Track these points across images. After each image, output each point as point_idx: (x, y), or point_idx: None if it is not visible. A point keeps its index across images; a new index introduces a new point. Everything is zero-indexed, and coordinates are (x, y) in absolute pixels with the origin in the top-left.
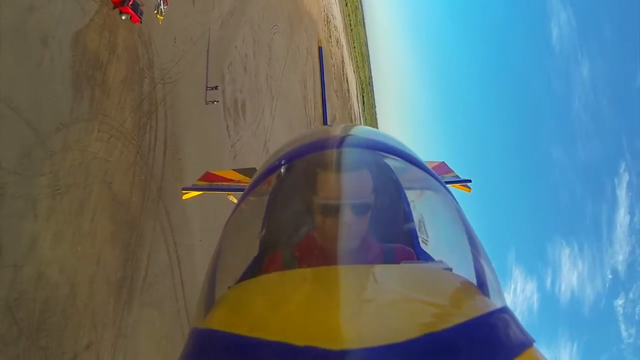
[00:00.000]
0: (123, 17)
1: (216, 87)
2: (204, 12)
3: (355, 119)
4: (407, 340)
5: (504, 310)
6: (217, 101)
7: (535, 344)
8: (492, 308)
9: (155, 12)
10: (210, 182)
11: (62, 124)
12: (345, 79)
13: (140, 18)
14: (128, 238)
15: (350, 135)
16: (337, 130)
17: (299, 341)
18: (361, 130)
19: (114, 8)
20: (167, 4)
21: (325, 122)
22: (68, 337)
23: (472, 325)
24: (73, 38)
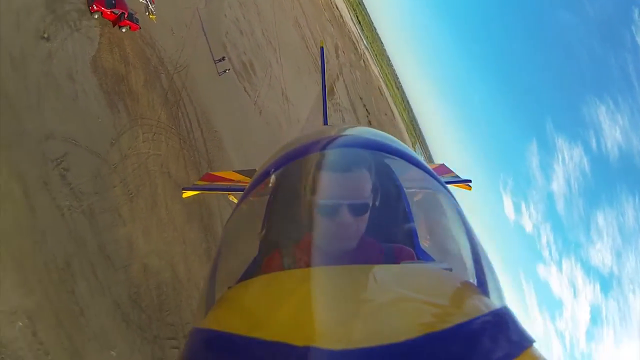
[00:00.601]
0: (123, 30)
1: (223, 58)
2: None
3: (357, 41)
4: (407, 340)
5: (504, 310)
6: (228, 69)
7: (535, 344)
8: (492, 308)
9: (147, 13)
10: (211, 182)
11: (112, 139)
12: (335, 6)
13: (138, 25)
14: (200, 214)
15: (350, 135)
16: (336, 131)
17: (299, 341)
18: (361, 130)
19: (113, 26)
20: (153, 3)
21: (325, 122)
22: (185, 309)
23: (472, 325)
24: (92, 65)
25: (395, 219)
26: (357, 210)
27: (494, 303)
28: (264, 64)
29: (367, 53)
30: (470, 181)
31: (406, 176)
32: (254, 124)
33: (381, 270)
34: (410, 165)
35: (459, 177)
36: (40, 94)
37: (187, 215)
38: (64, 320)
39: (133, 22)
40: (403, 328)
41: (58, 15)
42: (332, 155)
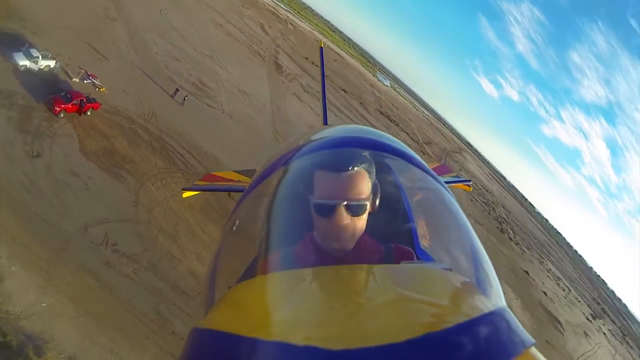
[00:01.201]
0: (89, 113)
1: (177, 90)
2: (117, 57)
3: (275, 10)
4: (407, 340)
5: (504, 310)
6: (186, 96)
7: (534, 345)
8: (492, 308)
9: (96, 89)
10: (211, 183)
11: (133, 202)
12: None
13: (97, 102)
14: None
15: (349, 135)
16: (336, 131)
17: (299, 341)
18: (361, 130)
19: (80, 114)
20: (97, 78)
21: (325, 122)
22: None
23: (471, 325)
24: (83, 154)
25: (394, 219)
26: (356, 210)
27: (494, 303)
28: (210, 75)
29: (290, 15)
30: (470, 181)
31: (406, 176)
32: (231, 128)
33: (381, 270)
34: (410, 165)
35: (458, 177)
36: (61, 200)
37: (220, 228)
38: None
39: (93, 103)
40: (403, 328)
41: (33, 132)
42: (331, 155)
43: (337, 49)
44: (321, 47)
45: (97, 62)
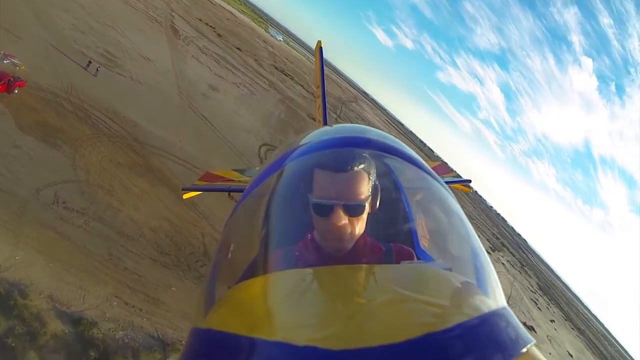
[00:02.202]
0: (16, 91)
1: (90, 62)
2: (29, 35)
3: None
4: (407, 340)
5: (504, 310)
6: (99, 67)
7: (534, 344)
8: (492, 308)
9: (17, 68)
10: (210, 182)
11: (71, 165)
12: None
13: (23, 80)
14: (155, 175)
15: (350, 135)
16: (336, 131)
17: (299, 341)
18: (361, 130)
19: (9, 93)
20: (15, 57)
21: (325, 122)
22: (192, 239)
23: (471, 325)
24: (20, 130)
25: (394, 219)
26: (355, 210)
27: (494, 303)
28: (116, 45)
29: None
30: (470, 181)
31: (405, 176)
32: (141, 93)
33: (381, 270)
34: (410, 165)
35: (458, 177)
36: (10, 170)
37: (149, 182)
38: (133, 286)
39: (19, 81)
40: (403, 328)
41: None
42: (330, 155)
43: (228, 7)
44: (321, 47)
45: (12, 42)
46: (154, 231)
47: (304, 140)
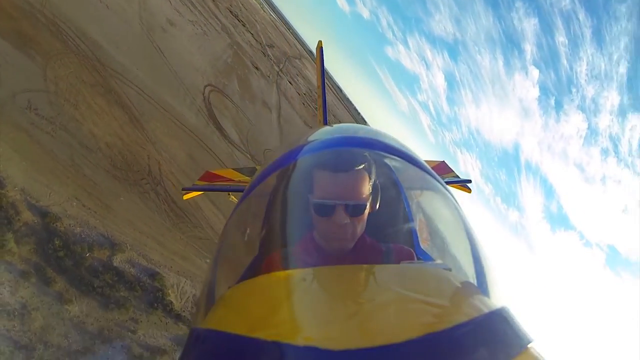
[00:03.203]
0: None
1: None
2: None
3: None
4: (407, 340)
5: (504, 310)
6: None
7: (534, 344)
8: (492, 308)
9: None
10: (210, 182)
11: (42, 76)
12: None
13: None
14: (111, 95)
15: (350, 135)
16: (336, 130)
17: (299, 341)
18: (361, 130)
19: None
20: None
21: (325, 122)
22: (144, 157)
23: (472, 325)
24: (3, 36)
25: (394, 219)
26: (355, 210)
27: (494, 303)
28: None
29: None
30: (469, 181)
31: (406, 176)
32: (108, 18)
33: (381, 270)
34: (410, 165)
35: (458, 177)
36: None
37: (107, 102)
38: (90, 190)
39: None
40: (403, 328)
41: None
42: (331, 155)
43: None
44: (321, 47)
45: None
46: (109, 146)
47: (304, 140)
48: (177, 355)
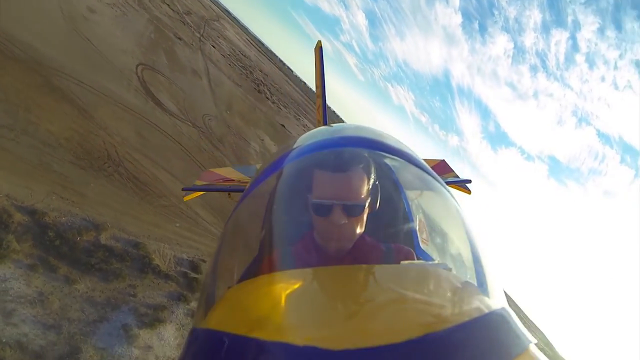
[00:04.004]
0: None
1: None
2: None
3: None
4: (407, 340)
5: (504, 310)
6: None
7: (534, 344)
8: (492, 308)
9: None
10: (210, 182)
11: None
12: None
13: None
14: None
15: (350, 135)
16: (336, 130)
17: (299, 341)
18: (361, 129)
19: None
20: None
21: (325, 122)
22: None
23: (471, 326)
24: None
25: (394, 219)
26: (353, 210)
27: (494, 303)
28: None
29: None
30: (469, 181)
31: (405, 176)
32: (30, 17)
33: (381, 270)
34: (410, 165)
35: (458, 177)
36: None
37: (54, 100)
38: (63, 183)
39: None
40: (403, 328)
41: None
42: (330, 155)
43: None
44: (320, 47)
45: None
46: (68, 140)
47: (304, 140)
48: (175, 309)
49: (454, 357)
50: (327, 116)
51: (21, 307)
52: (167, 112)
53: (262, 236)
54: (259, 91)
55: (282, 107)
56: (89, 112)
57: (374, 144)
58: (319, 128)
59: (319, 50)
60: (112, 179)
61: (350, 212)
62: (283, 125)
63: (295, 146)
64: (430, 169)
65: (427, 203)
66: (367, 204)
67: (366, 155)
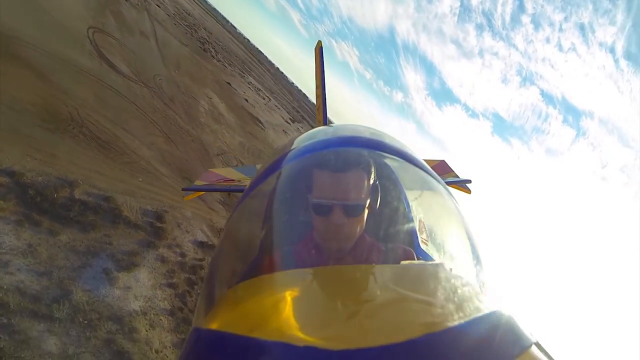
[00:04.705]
0: None
1: None
2: None
3: None
4: (407, 340)
5: (504, 310)
6: None
7: (535, 344)
8: (492, 308)
9: None
10: (210, 182)
11: None
12: None
13: None
14: None
15: (350, 135)
16: (336, 130)
17: (299, 341)
18: (361, 130)
19: None
20: None
21: (325, 122)
22: None
23: (472, 325)
24: None
25: (394, 218)
26: (353, 211)
27: (494, 303)
28: None
29: None
30: (470, 181)
31: (405, 176)
32: None
33: (381, 270)
34: (410, 165)
35: (458, 177)
36: None
37: (14, 66)
38: (35, 146)
39: None
40: (403, 328)
41: None
42: (330, 155)
43: None
44: (321, 47)
45: None
46: (34, 105)
47: (304, 140)
48: (146, 254)
49: (454, 357)
50: (326, 114)
51: (15, 258)
52: (120, 74)
53: (262, 236)
54: (204, 50)
55: (227, 65)
56: (48, 77)
57: (374, 144)
58: (318, 128)
59: (319, 50)
60: (77, 139)
61: (350, 212)
62: (229, 84)
63: (295, 146)
64: (430, 169)
65: (427, 203)
66: (367, 204)
67: (366, 155)
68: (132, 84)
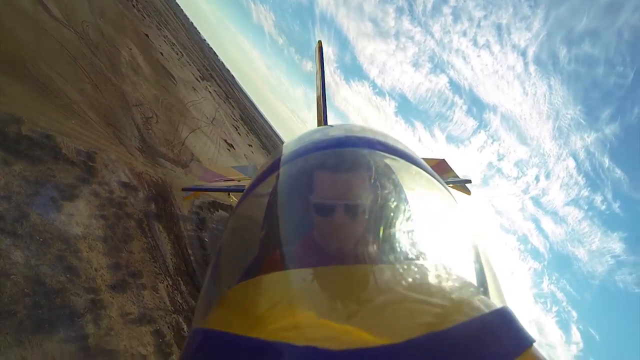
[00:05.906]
0: None
1: None
2: None
3: None
4: (407, 340)
5: (504, 310)
6: None
7: (535, 344)
8: (492, 308)
9: None
10: (210, 182)
11: None
12: None
13: None
14: None
15: (350, 135)
16: (337, 130)
17: (299, 341)
18: (361, 129)
19: None
20: None
21: (325, 122)
22: None
23: (472, 325)
24: None
25: (394, 219)
26: (354, 211)
27: (494, 303)
28: None
29: None
30: (469, 181)
31: (405, 175)
32: None
33: (381, 270)
34: (410, 165)
35: (458, 177)
36: None
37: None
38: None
39: None
40: (403, 328)
41: None
42: (331, 155)
43: None
44: (320, 47)
45: None
46: None
47: (305, 140)
48: (83, 188)
49: (454, 357)
50: (326, 114)
51: None
52: (53, 17)
53: (263, 236)
54: None
55: (145, 16)
56: None
57: (375, 144)
58: (318, 128)
59: (319, 50)
60: (21, 80)
61: (351, 212)
62: (147, 35)
63: (295, 146)
64: (430, 168)
65: (427, 203)
66: (368, 204)
67: (367, 155)
68: (63, 28)
